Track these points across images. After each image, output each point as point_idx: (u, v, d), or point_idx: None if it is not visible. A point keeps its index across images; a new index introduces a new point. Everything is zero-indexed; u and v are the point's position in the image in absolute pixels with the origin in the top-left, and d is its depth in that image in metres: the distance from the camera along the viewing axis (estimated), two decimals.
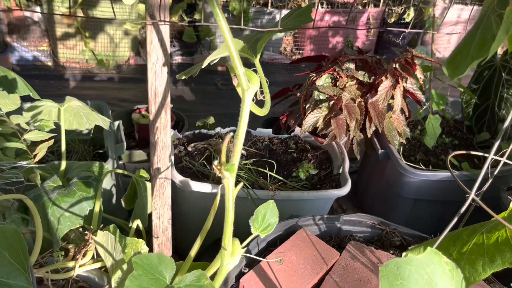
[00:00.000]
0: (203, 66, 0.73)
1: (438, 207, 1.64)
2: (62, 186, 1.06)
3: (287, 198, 1.37)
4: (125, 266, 0.87)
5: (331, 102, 1.61)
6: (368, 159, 1.86)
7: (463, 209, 0.60)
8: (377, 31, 4.10)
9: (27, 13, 3.43)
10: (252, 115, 2.29)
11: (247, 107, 0.54)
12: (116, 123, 1.51)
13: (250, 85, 0.53)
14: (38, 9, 3.25)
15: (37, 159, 0.91)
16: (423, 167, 1.56)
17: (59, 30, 3.22)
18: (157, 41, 0.80)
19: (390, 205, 1.67)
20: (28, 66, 3.32)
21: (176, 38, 3.66)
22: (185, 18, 3.65)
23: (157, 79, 0.83)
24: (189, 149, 1.70)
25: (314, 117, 1.64)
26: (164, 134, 0.89)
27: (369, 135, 1.64)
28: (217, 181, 1.47)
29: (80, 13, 3.04)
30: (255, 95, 0.61)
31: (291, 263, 1.01)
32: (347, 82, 1.70)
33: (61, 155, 1.16)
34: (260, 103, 0.72)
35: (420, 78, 1.58)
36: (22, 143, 0.92)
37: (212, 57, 0.71)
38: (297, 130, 1.87)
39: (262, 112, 0.66)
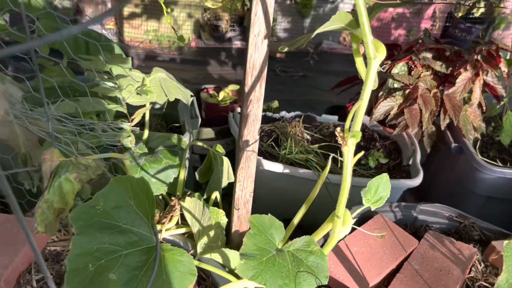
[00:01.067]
0: (312, 37, 0.73)
1: (510, 206, 1.57)
2: (147, 153, 1.10)
3: (358, 184, 1.34)
4: (211, 233, 0.90)
5: (406, 91, 1.57)
6: (438, 152, 1.80)
7: None
8: (442, 25, 3.95)
9: None
10: (316, 101, 2.28)
11: (373, 76, 0.54)
12: (191, 99, 1.54)
13: (377, 54, 0.52)
14: None
15: (134, 123, 0.95)
16: (500, 164, 1.50)
17: (126, 10, 3.31)
18: (261, 13, 0.80)
19: (459, 201, 1.62)
20: None
21: (237, 23, 3.68)
22: (247, 4, 3.66)
23: (257, 51, 0.84)
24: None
25: (386, 106, 1.61)
26: (256, 107, 0.90)
27: (442, 128, 1.59)
28: (285, 162, 1.48)
29: None
30: None
31: (369, 247, 1.00)
32: (422, 72, 1.65)
33: (142, 127, 1.21)
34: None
35: (504, 71, 1.51)
36: (123, 107, 0.96)
37: (323, 29, 0.70)
38: (364, 118, 1.85)
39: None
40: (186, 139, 1.32)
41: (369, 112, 1.86)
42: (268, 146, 1.58)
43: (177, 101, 1.56)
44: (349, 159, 0.53)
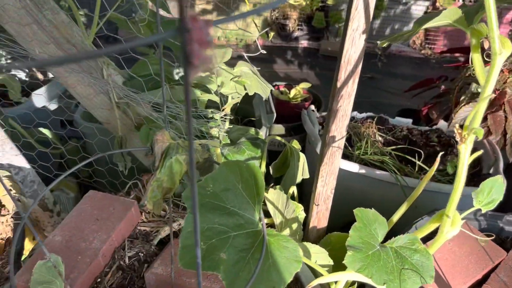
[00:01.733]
0: (417, 32, 0.71)
1: None
2: (229, 144, 1.12)
3: (437, 190, 1.31)
4: (294, 225, 0.90)
5: (492, 96, 1.49)
6: None
7: None
8: None
9: None
10: (384, 103, 2.23)
11: (496, 71, 0.51)
12: (269, 94, 1.56)
13: (502, 50, 0.50)
14: None
15: (225, 112, 0.98)
16: None
17: (198, 7, 3.40)
18: (362, 7, 0.80)
19: None
20: None
21: (305, 23, 3.67)
22: (317, 3, 3.64)
23: (353, 46, 0.83)
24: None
25: (468, 111, 1.54)
26: (347, 103, 0.89)
27: None
28: (358, 162, 1.45)
29: None
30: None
31: (453, 254, 0.97)
32: (509, 77, 1.56)
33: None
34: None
35: None
36: (216, 97, 0.99)
37: (431, 24, 0.69)
38: (441, 123, 1.78)
39: None
40: (262, 133, 1.34)
41: (446, 117, 1.79)
42: None
43: (250, 96, 1.59)
44: (466, 157, 0.52)
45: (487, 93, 0.50)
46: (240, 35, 3.43)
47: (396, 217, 0.64)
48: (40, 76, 1.72)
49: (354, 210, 0.56)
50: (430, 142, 1.71)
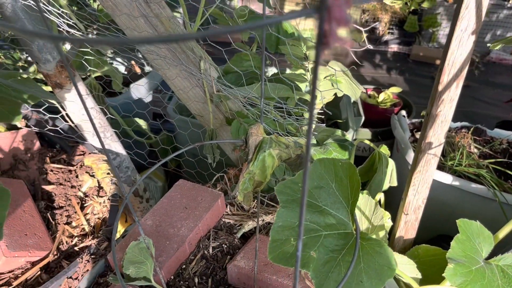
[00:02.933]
0: None
1: None
2: (315, 144, 1.11)
3: None
4: (381, 233, 0.86)
5: None
6: None
7: None
8: None
9: None
10: (479, 114, 2.07)
11: None
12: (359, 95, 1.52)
13: None
14: None
15: (316, 111, 0.97)
16: None
17: (287, 8, 3.42)
18: (473, 6, 0.74)
19: None
20: None
21: (396, 26, 3.54)
22: (410, 6, 3.48)
23: (460, 47, 0.77)
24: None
25: None
26: (448, 108, 0.83)
27: None
28: (452, 173, 1.36)
29: None
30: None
31: None
32: None
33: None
34: None
35: None
36: (307, 95, 0.98)
37: None
38: None
39: None
40: (349, 135, 1.30)
41: None
42: None
43: (338, 97, 1.56)
44: None
45: None
46: None
47: (502, 233, 0.59)
48: (137, 70, 1.83)
49: (457, 221, 0.52)
50: None
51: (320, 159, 0.56)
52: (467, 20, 0.75)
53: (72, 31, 1.03)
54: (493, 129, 1.71)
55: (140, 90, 1.54)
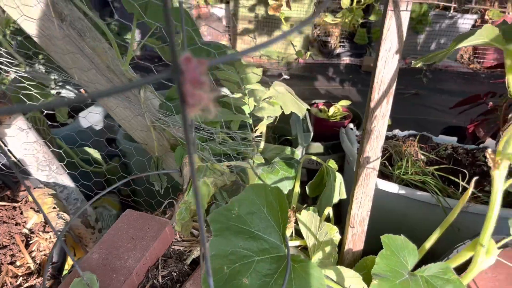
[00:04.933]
0: (451, 52, 0.69)
1: None
2: (263, 164, 1.13)
3: (483, 213, 1.24)
4: (327, 248, 0.88)
5: None
6: None
7: None
8: None
9: (213, 10, 3.76)
10: (429, 121, 2.15)
11: None
12: (305, 113, 1.56)
13: None
14: (223, 6, 3.55)
15: (258, 133, 0.99)
16: None
17: (241, 26, 3.47)
18: (394, 28, 0.78)
19: None
20: None
21: (347, 39, 3.65)
22: (359, 20, 3.61)
23: (386, 66, 0.82)
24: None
25: None
26: (381, 124, 0.87)
27: None
28: (398, 182, 1.41)
29: (261, 10, 3.23)
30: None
31: (498, 282, 0.91)
32: None
33: (258, 137, 1.24)
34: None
35: None
36: (249, 118, 1.00)
37: (466, 43, 0.66)
38: (489, 141, 1.70)
39: None
40: (299, 152, 1.33)
41: (494, 135, 1.71)
42: (380, 164, 1.53)
43: (288, 114, 1.58)
44: (500, 183, 0.49)
45: None
46: (282, 53, 3.46)
47: (428, 244, 0.62)
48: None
49: (381, 237, 0.55)
50: (476, 161, 1.63)
51: (252, 185, 0.57)
52: (390, 41, 0.80)
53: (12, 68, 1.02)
54: (438, 136, 1.79)
55: (93, 117, 1.53)
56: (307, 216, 0.92)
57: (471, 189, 0.56)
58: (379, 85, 0.84)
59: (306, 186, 1.29)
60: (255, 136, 1.22)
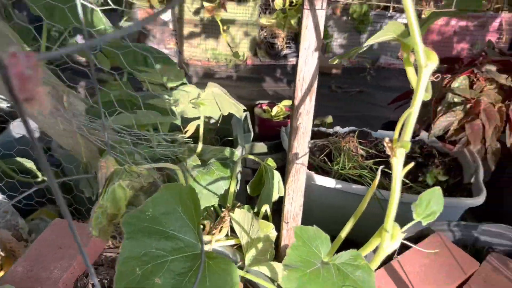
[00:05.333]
0: (363, 48, 0.72)
1: None
2: (200, 166, 1.13)
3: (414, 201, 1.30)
4: (260, 245, 0.90)
5: (468, 106, 1.50)
6: (504, 170, 1.69)
7: None
8: (510, 38, 3.74)
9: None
10: (372, 117, 2.22)
11: (424, 84, 0.52)
12: (244, 113, 1.57)
13: (428, 62, 0.51)
14: (168, 10, 3.51)
15: (188, 134, 0.98)
16: None
17: (187, 30, 3.45)
18: (312, 26, 0.81)
19: None
20: None
21: (292, 40, 3.71)
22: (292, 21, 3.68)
23: (307, 64, 0.84)
24: (309, 145, 1.71)
25: (446, 121, 1.54)
26: (306, 120, 0.89)
27: (508, 144, 1.50)
28: (337, 177, 1.45)
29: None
30: None
31: (424, 267, 0.96)
32: (485, 86, 1.57)
33: (196, 140, 1.24)
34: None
35: None
36: (178, 119, 1.00)
37: (375, 40, 0.69)
38: (423, 134, 1.78)
39: (426, 96, 0.63)
40: (238, 152, 1.34)
41: (427, 128, 1.79)
42: (320, 161, 1.56)
43: (230, 116, 1.59)
44: (398, 170, 0.52)
45: (416, 106, 0.50)
46: (230, 56, 3.46)
47: (344, 233, 0.64)
48: None
49: (294, 228, 0.56)
50: (413, 153, 1.70)
51: (167, 185, 0.57)
52: (308, 39, 0.82)
53: None
54: (377, 131, 1.85)
55: (21, 127, 1.47)
56: (240, 215, 0.93)
57: (377, 178, 0.59)
58: (301, 83, 0.86)
59: (247, 186, 1.31)
60: (188, 138, 1.21)
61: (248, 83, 3.31)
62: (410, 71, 0.57)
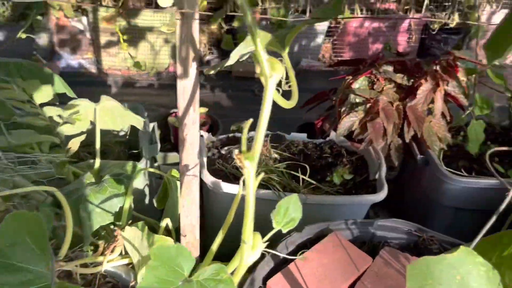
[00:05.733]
0: (231, 62, 0.72)
1: (481, 218, 1.54)
2: (95, 183, 1.08)
3: (320, 202, 1.33)
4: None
5: (368, 105, 1.57)
6: (407, 165, 1.79)
7: (502, 207, 0.55)
8: (419, 38, 3.99)
9: (74, 23, 3.56)
10: (281, 120, 2.25)
11: (270, 95, 0.52)
12: (151, 124, 1.54)
13: (273, 73, 0.51)
14: (84, 19, 3.37)
15: (70, 153, 0.93)
16: (465, 174, 1.48)
17: (103, 39, 3.33)
18: (186, 36, 0.80)
19: (428, 214, 1.60)
20: (74, 73, 3.45)
21: (215, 46, 3.71)
22: (224, 26, 3.69)
23: (186, 75, 0.83)
24: (223, 152, 1.70)
25: (349, 121, 1.60)
26: (192, 131, 0.88)
27: (407, 140, 1.58)
28: None
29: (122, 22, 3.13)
30: (280, 85, 0.59)
31: (321, 267, 0.98)
32: (385, 85, 1.64)
33: (105, 154, 1.19)
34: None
35: (463, 80, 1.51)
36: (56, 137, 0.94)
37: (238, 52, 0.70)
38: (333, 134, 1.84)
39: (288, 104, 0.64)
40: (142, 165, 1.31)
41: (336, 128, 1.85)
42: (233, 167, 1.56)
43: (138, 128, 1.55)
44: (250, 181, 0.52)
45: (264, 118, 0.51)
46: (150, 64, 3.39)
47: (215, 246, 0.63)
48: None
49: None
50: (323, 154, 1.75)
51: (11, 214, 0.53)
52: (185, 49, 0.81)
53: None
54: (290, 134, 1.88)
55: None
56: (131, 233, 0.90)
57: (257, 182, 0.59)
58: (182, 93, 0.85)
59: (154, 199, 1.27)
60: (88, 153, 1.16)
61: (170, 91, 3.25)
62: (263, 80, 0.58)
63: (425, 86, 1.53)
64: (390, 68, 1.64)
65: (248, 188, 0.52)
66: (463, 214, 1.53)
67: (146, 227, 0.96)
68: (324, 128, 1.90)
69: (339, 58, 3.99)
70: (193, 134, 0.89)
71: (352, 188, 1.52)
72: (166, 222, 1.09)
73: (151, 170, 1.17)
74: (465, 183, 1.43)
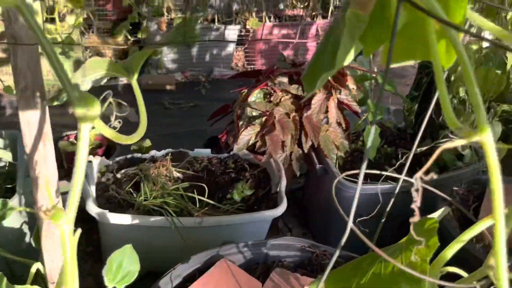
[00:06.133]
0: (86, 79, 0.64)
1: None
2: None
3: (217, 224, 1.28)
4: None
5: (264, 118, 1.55)
6: (310, 175, 1.80)
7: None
8: None
9: None
10: (193, 133, 2.18)
11: (85, 143, 0.45)
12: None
13: (87, 113, 0.44)
14: None
15: None
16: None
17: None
18: (24, 65, 0.70)
19: (331, 223, 1.61)
20: None
21: (120, 59, 3.55)
22: (130, 38, 3.55)
23: (29, 108, 0.73)
24: (118, 176, 1.59)
25: (248, 135, 1.57)
26: (45, 168, 0.79)
27: (305, 150, 1.58)
28: (142, 210, 1.36)
29: None
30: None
31: None
32: (282, 96, 1.64)
33: None
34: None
35: (353, 88, 1.54)
36: None
37: (91, 77, 0.62)
38: (236, 148, 1.80)
39: (130, 139, 0.58)
40: (15, 201, 1.17)
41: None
42: (126, 193, 1.46)
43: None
44: (66, 241, 0.44)
45: (79, 170, 0.43)
46: (51, 82, 3.16)
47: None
48: None
49: None
50: (227, 169, 1.70)
51: None
52: (23, 79, 0.71)
53: None
54: (194, 150, 1.82)
55: None
56: None
57: (76, 240, 0.51)
58: (28, 129, 0.75)
59: (31, 238, 1.14)
60: None
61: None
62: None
63: (318, 96, 1.54)
64: (285, 79, 1.63)
65: (64, 249, 0.44)
66: (364, 221, 1.55)
67: (5, 279, 0.85)
68: (228, 142, 1.86)
69: (252, 66, 4.00)
70: (48, 172, 0.79)
71: (254, 204, 1.48)
72: (36, 266, 0.97)
73: (21, 209, 1.05)
74: (362, 190, 1.45)
